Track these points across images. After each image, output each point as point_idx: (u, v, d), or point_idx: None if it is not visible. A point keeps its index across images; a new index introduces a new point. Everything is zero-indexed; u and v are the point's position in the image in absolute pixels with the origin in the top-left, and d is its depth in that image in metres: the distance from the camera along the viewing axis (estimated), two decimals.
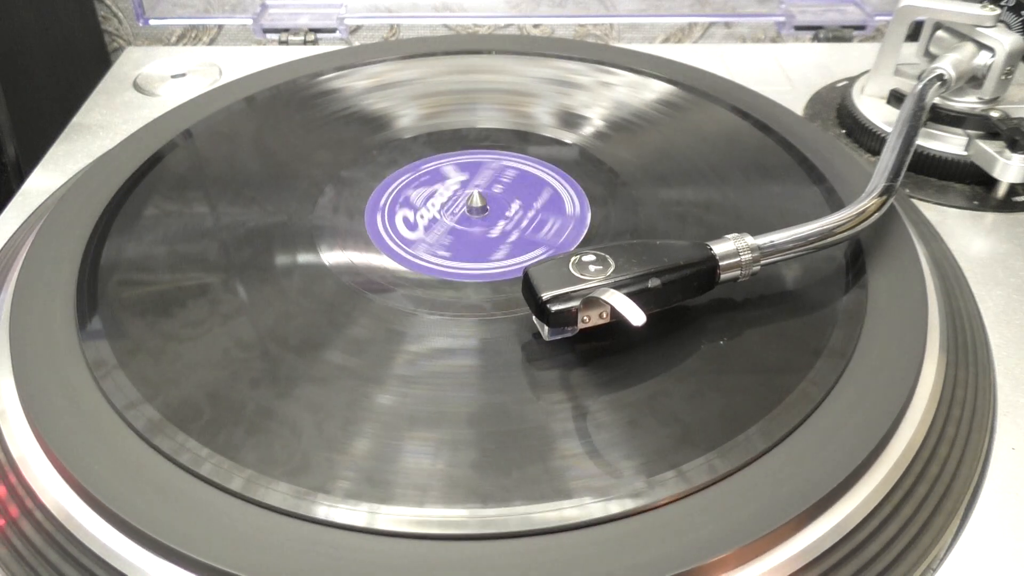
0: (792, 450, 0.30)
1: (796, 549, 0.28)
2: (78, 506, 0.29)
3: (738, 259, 0.34)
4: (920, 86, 0.46)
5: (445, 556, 0.27)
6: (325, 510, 0.28)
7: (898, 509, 0.30)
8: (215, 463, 0.29)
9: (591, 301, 0.32)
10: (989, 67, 0.48)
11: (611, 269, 0.33)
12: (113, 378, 0.32)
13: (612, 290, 0.32)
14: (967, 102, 0.49)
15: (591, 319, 0.32)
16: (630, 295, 0.31)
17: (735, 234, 0.35)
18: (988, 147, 0.47)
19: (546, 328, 0.33)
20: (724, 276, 0.34)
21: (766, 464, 0.29)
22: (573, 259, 0.33)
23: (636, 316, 0.30)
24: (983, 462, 0.33)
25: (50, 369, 0.33)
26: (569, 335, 0.33)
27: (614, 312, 0.31)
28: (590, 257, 0.33)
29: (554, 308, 0.32)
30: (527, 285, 0.33)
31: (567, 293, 0.32)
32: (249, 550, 0.27)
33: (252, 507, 0.28)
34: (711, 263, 0.34)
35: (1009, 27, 0.52)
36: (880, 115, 0.52)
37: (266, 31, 0.70)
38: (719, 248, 0.34)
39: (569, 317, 0.32)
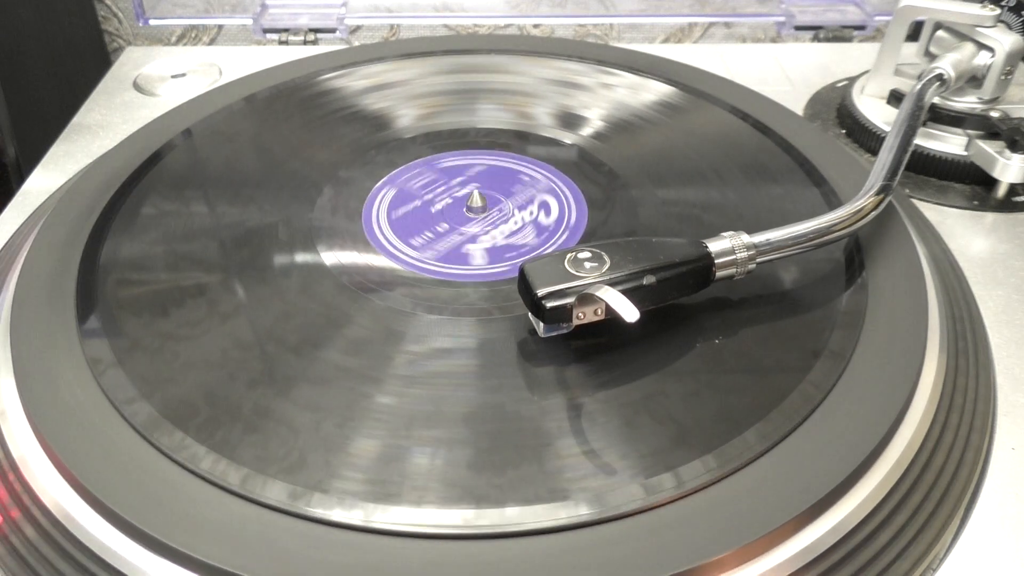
0: (792, 450, 0.30)
1: (796, 549, 0.28)
2: (78, 505, 0.29)
3: (734, 257, 0.34)
4: (919, 86, 0.46)
5: (440, 555, 0.27)
6: (321, 509, 0.28)
7: (898, 509, 0.30)
8: (213, 460, 0.29)
9: (586, 298, 0.32)
10: (989, 67, 0.48)
11: (606, 266, 0.33)
12: (112, 376, 0.32)
13: (607, 287, 0.31)
14: (967, 102, 0.49)
15: (586, 315, 0.32)
16: (625, 292, 0.31)
17: (731, 232, 0.35)
18: (988, 147, 0.47)
19: (541, 324, 0.33)
20: (720, 274, 0.34)
21: (765, 464, 0.29)
22: (569, 256, 0.33)
23: (630, 313, 0.30)
24: (983, 462, 0.33)
25: (50, 369, 0.33)
26: (564, 331, 0.33)
27: (609, 309, 0.31)
28: (586, 254, 0.33)
29: (549, 304, 0.32)
30: (523, 281, 0.33)
31: (562, 290, 0.32)
32: (246, 548, 0.27)
33: (249, 505, 0.28)
34: (706, 260, 0.34)
35: (1009, 27, 0.52)
36: (880, 115, 0.52)
37: (266, 31, 0.70)
38: (715, 246, 0.34)
39: (564, 313, 0.32)
